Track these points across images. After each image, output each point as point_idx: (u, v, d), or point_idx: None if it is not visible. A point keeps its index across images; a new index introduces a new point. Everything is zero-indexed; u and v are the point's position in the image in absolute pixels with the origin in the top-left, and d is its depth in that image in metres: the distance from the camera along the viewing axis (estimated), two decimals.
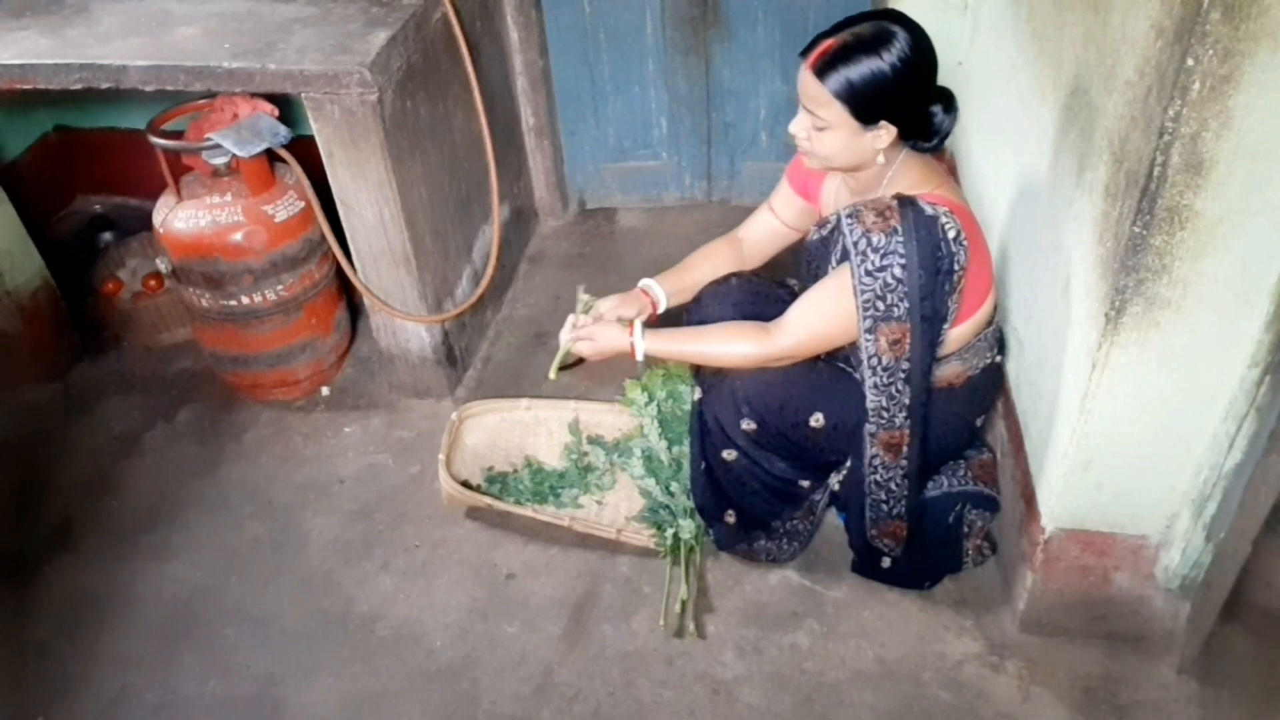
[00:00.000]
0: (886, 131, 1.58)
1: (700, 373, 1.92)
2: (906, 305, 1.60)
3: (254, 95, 2.19)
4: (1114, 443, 1.56)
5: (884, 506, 1.83)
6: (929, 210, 1.59)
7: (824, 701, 1.78)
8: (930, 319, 1.63)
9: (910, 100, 1.58)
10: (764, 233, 2.02)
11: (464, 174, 2.45)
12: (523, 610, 1.98)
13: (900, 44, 1.53)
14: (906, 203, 1.60)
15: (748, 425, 1.81)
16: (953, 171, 2.59)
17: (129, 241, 2.83)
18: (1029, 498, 1.77)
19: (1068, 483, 1.63)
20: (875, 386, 1.69)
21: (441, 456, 2.11)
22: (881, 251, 1.58)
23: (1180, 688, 1.74)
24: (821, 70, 1.55)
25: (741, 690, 1.81)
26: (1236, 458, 1.53)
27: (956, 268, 1.61)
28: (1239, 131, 1.22)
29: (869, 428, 1.75)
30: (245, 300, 2.30)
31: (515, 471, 2.22)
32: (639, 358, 1.83)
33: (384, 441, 2.39)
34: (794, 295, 2.00)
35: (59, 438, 2.47)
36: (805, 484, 1.95)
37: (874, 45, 1.52)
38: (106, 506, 2.28)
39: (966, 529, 1.94)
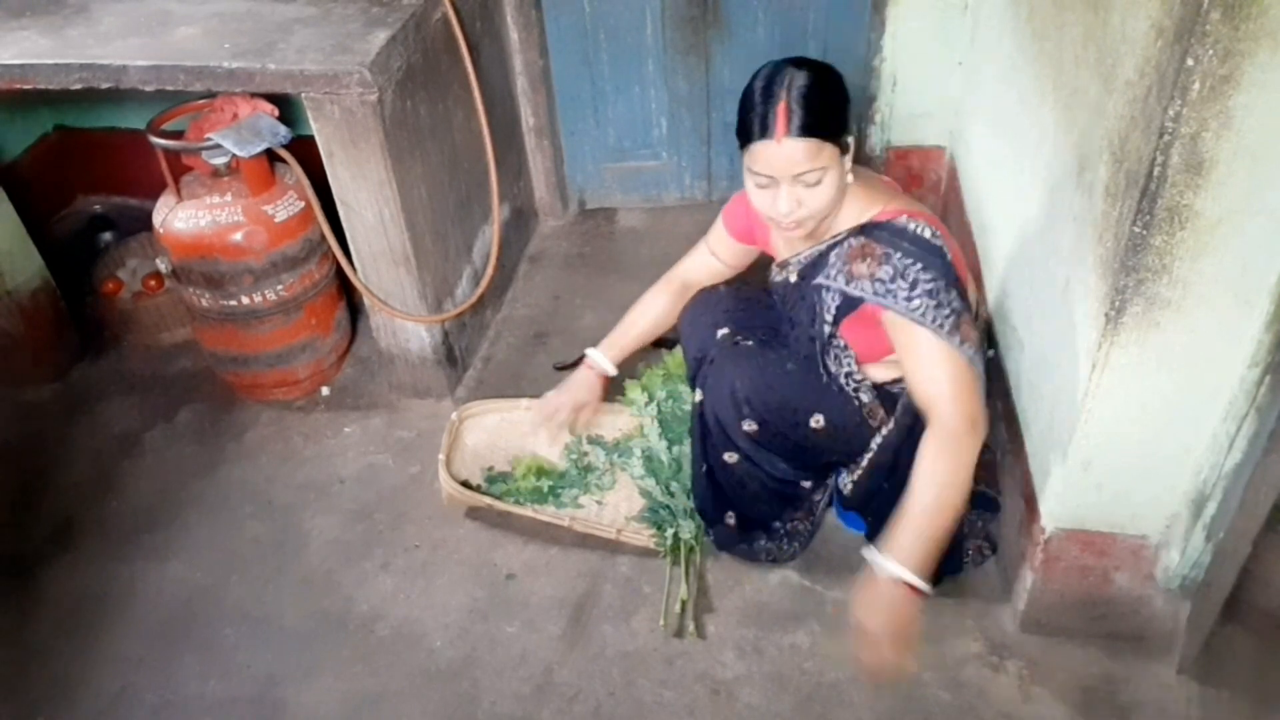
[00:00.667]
0: (849, 140, 1.59)
1: (699, 374, 1.92)
2: (955, 292, 1.57)
3: (254, 95, 2.19)
4: (1114, 443, 1.56)
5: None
6: (895, 223, 1.60)
7: (824, 701, 1.78)
8: (965, 297, 1.61)
9: (847, 109, 1.59)
10: (705, 274, 2.03)
11: (464, 174, 2.45)
12: (523, 610, 1.98)
13: (815, 70, 1.55)
14: (871, 228, 1.61)
15: (749, 426, 1.81)
16: (953, 176, 2.59)
17: (129, 241, 2.83)
18: (1029, 498, 1.77)
19: (1068, 483, 1.63)
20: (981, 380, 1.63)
21: (441, 456, 2.11)
22: (899, 274, 1.57)
23: (1180, 688, 1.74)
24: (806, 124, 1.51)
25: (741, 690, 1.81)
26: (1236, 458, 1.53)
27: (949, 254, 1.61)
28: (1239, 131, 1.22)
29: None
30: (245, 300, 2.30)
31: (515, 471, 2.22)
32: (926, 587, 1.48)
33: (384, 441, 2.39)
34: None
35: (59, 438, 2.47)
36: (806, 485, 1.95)
37: (811, 80, 1.53)
38: (106, 506, 2.28)
39: (967, 529, 1.94)
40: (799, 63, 1.56)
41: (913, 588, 1.47)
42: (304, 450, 2.39)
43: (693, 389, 1.95)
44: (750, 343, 1.87)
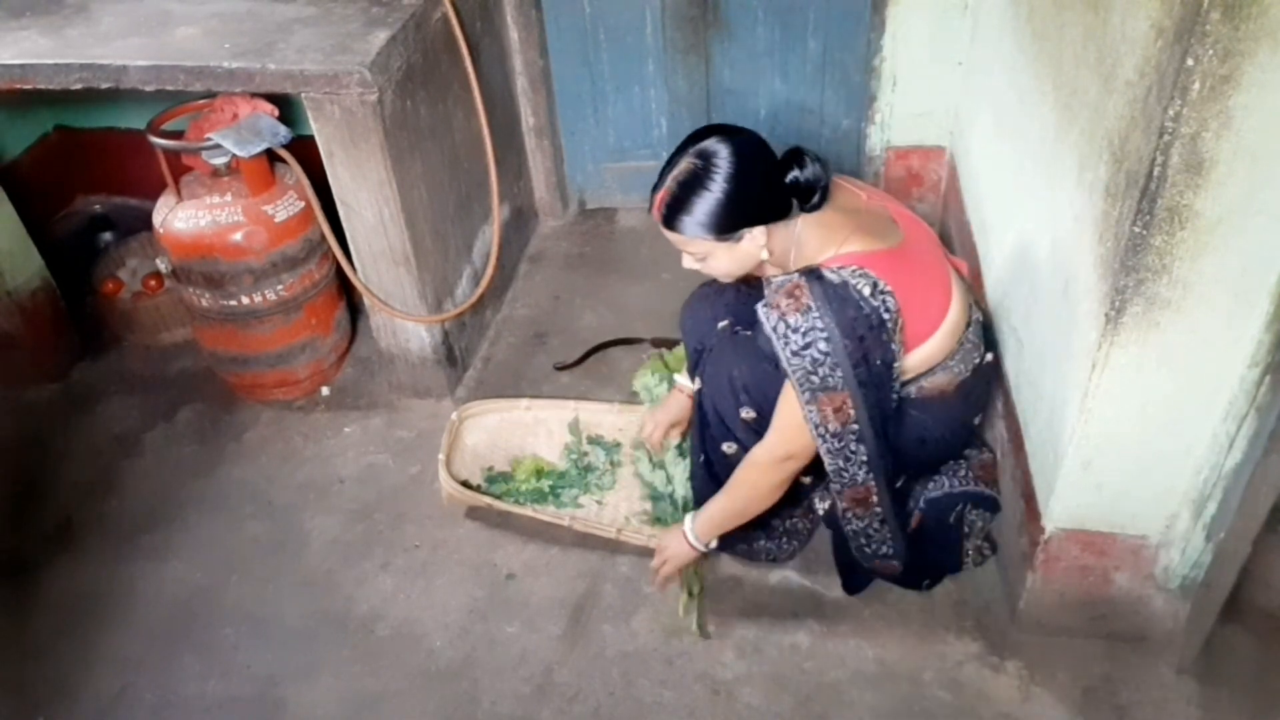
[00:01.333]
0: (759, 232, 1.61)
1: (699, 364, 1.92)
2: (840, 374, 1.59)
3: (254, 95, 2.19)
4: (1114, 443, 1.56)
5: (868, 549, 1.83)
6: (835, 278, 1.58)
7: (824, 701, 1.78)
8: (869, 384, 1.61)
9: (758, 200, 1.60)
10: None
11: (464, 174, 2.45)
12: (523, 610, 1.98)
13: (720, 164, 1.56)
14: (814, 277, 1.59)
15: (747, 414, 1.81)
16: (952, 175, 2.59)
17: (129, 241, 2.83)
18: (1029, 498, 1.77)
19: (1068, 482, 1.63)
20: (829, 452, 1.68)
21: (441, 456, 2.11)
22: (801, 330, 1.58)
23: (1180, 688, 1.74)
24: (666, 221, 1.62)
25: (741, 690, 1.81)
26: (1236, 458, 1.53)
27: (886, 316, 1.59)
28: (1239, 131, 1.22)
29: (833, 486, 1.75)
30: (245, 300, 2.30)
31: (515, 471, 2.22)
32: (703, 549, 1.83)
33: (384, 441, 2.39)
34: None
35: (59, 438, 2.47)
36: (805, 480, 1.95)
37: (698, 180, 1.57)
38: (106, 506, 2.28)
39: (967, 529, 1.95)
40: (717, 145, 1.57)
41: (694, 546, 1.84)
42: (304, 450, 2.39)
43: (692, 379, 1.96)
44: (749, 333, 1.87)
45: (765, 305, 1.63)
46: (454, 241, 2.43)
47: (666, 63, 2.80)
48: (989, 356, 1.83)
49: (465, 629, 1.95)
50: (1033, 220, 1.83)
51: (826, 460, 1.70)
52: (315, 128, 2.05)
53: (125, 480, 2.34)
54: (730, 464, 1.89)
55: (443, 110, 2.30)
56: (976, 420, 1.92)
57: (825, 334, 1.57)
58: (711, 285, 2.01)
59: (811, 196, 1.61)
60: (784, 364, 1.61)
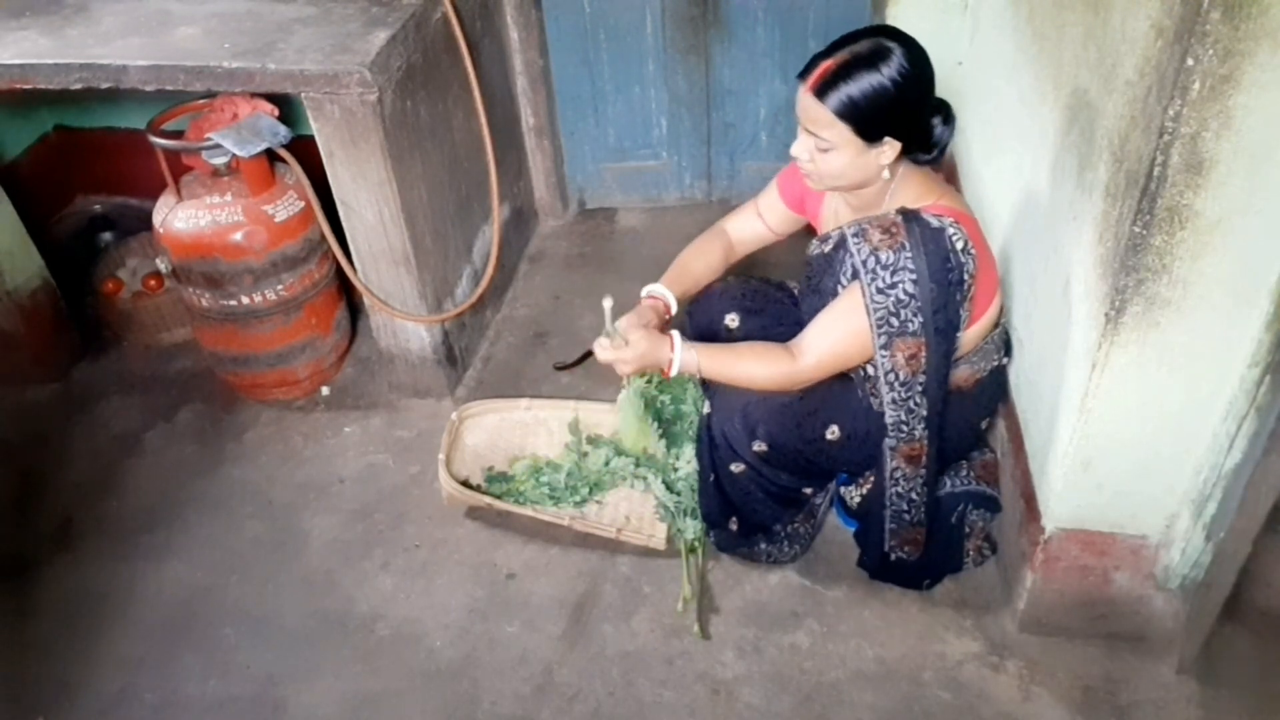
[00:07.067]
0: (890, 147, 1.56)
1: (708, 387, 1.91)
2: (920, 320, 1.59)
3: (254, 95, 2.19)
4: (1114, 443, 1.56)
5: (905, 516, 1.83)
6: (935, 223, 1.58)
7: (824, 701, 1.78)
8: (944, 331, 1.62)
9: (912, 114, 1.57)
10: (748, 234, 1.99)
11: (464, 174, 2.45)
12: (523, 610, 1.98)
13: (898, 58, 1.51)
14: (912, 217, 1.59)
15: (759, 447, 1.81)
16: (953, 174, 2.59)
17: (129, 241, 2.83)
18: (1029, 498, 1.77)
19: (1068, 483, 1.63)
20: (894, 401, 1.68)
21: (441, 456, 2.11)
22: (891, 268, 1.57)
23: (1180, 688, 1.74)
24: (822, 91, 1.53)
25: (741, 690, 1.81)
26: (1236, 458, 1.53)
27: (966, 277, 1.60)
28: (1239, 131, 1.22)
29: (889, 441, 1.75)
30: (245, 300, 2.30)
31: (515, 471, 2.22)
32: (673, 373, 1.77)
33: (384, 441, 2.39)
34: (793, 298, 2.01)
35: (59, 438, 2.47)
36: (808, 490, 1.96)
37: (873, 61, 1.51)
38: (106, 506, 2.28)
39: (967, 529, 1.95)
40: (890, 44, 1.52)
41: (670, 363, 1.76)
42: (304, 450, 2.39)
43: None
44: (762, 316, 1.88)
45: (857, 235, 1.60)
46: (454, 241, 2.43)
47: (666, 63, 2.80)
48: (1005, 360, 1.84)
49: (465, 629, 1.95)
50: (1032, 220, 1.83)
51: (889, 411, 1.70)
52: (315, 128, 2.05)
53: (125, 480, 2.34)
54: (737, 480, 1.89)
55: (443, 110, 2.30)
56: (984, 424, 1.92)
57: (914, 276, 1.56)
58: (720, 283, 2.00)
59: (932, 150, 1.61)
60: (866, 301, 1.60)
